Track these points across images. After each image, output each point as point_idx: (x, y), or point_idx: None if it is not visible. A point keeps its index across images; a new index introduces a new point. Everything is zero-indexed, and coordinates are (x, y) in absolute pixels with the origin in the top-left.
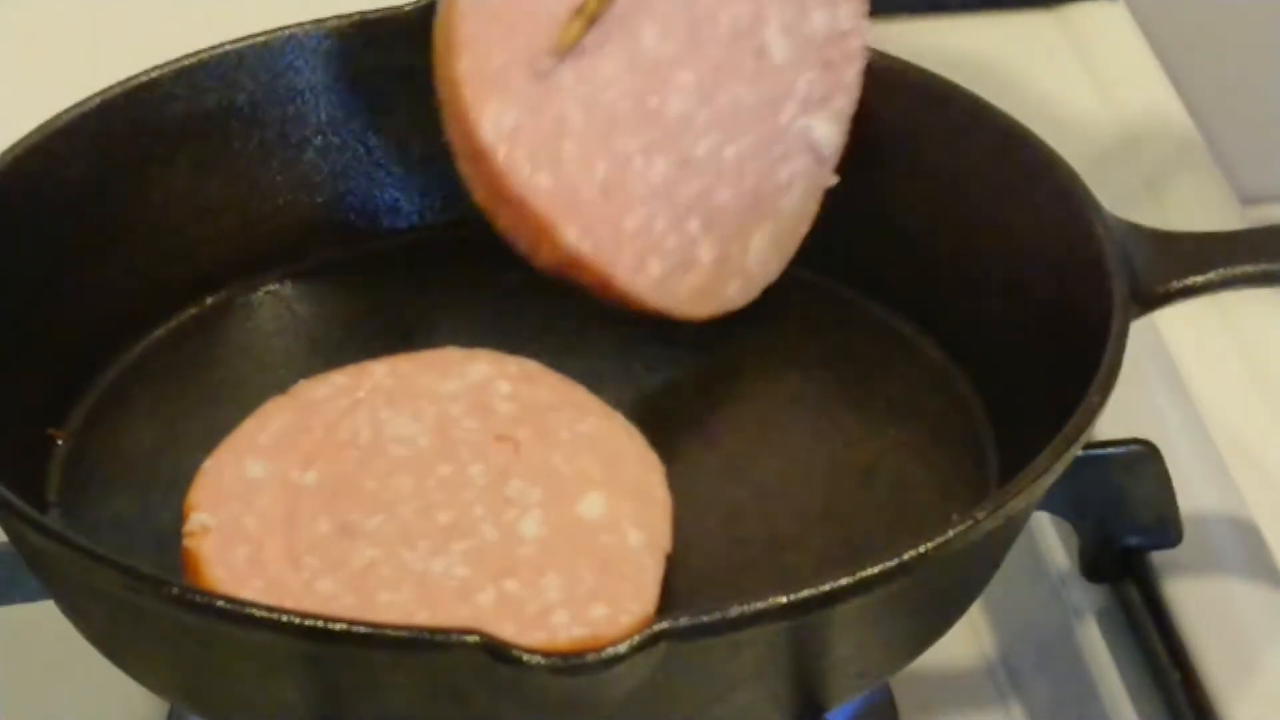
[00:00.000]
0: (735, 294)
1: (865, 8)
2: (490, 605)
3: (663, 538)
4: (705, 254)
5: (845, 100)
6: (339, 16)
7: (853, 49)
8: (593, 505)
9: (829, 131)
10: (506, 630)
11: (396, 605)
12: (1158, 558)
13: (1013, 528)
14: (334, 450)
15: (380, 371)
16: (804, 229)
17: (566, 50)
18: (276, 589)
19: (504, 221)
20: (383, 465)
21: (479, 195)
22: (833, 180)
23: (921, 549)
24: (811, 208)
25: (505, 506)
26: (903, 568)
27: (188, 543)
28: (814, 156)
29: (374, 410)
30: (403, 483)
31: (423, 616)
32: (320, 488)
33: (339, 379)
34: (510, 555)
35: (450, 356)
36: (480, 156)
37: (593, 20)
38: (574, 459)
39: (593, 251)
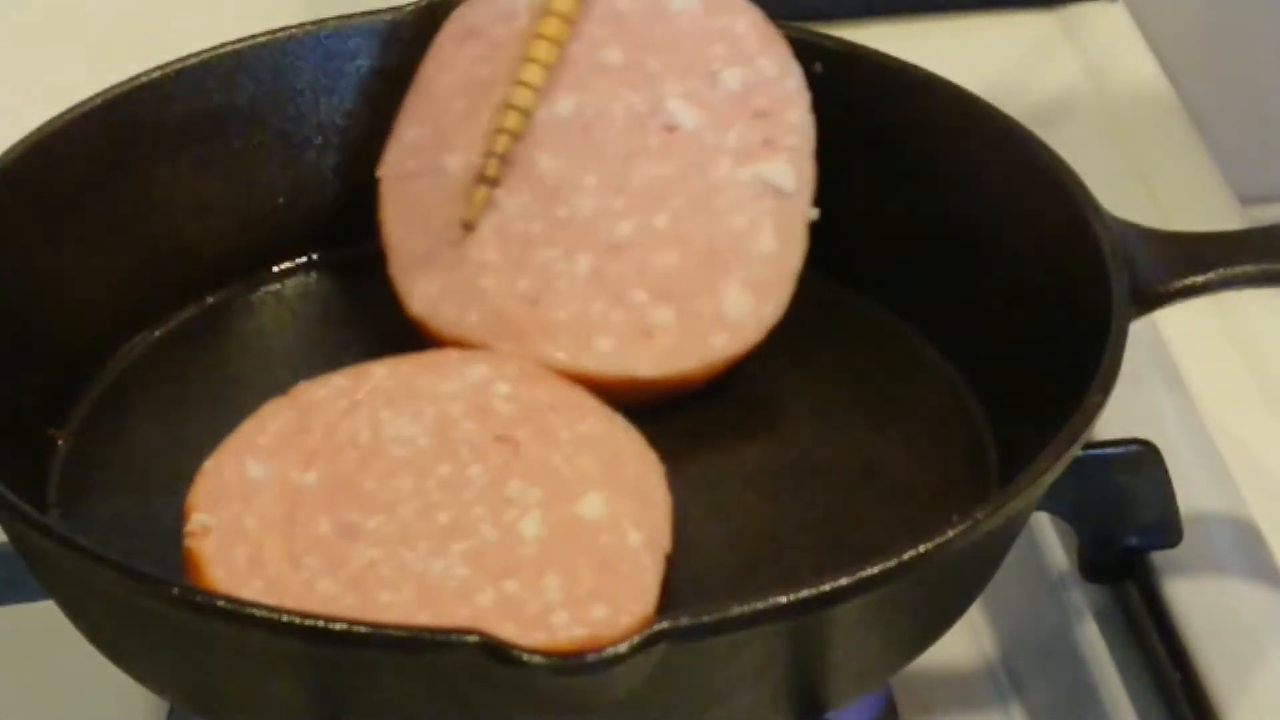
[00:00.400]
0: (723, 344)
1: (788, 53)
2: (490, 605)
3: (663, 538)
4: (663, 317)
5: (796, 138)
6: (339, 17)
7: (787, 91)
8: (592, 505)
9: (783, 171)
10: (507, 630)
11: (397, 605)
12: (1158, 558)
13: (1013, 528)
14: (334, 451)
15: (380, 373)
16: (791, 265)
17: (477, 218)
18: (276, 589)
19: None
20: (382, 466)
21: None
22: (812, 214)
23: (921, 549)
24: (794, 244)
25: (505, 507)
26: (903, 568)
27: (188, 543)
28: (775, 197)
29: (374, 411)
30: (402, 483)
31: (424, 617)
32: (320, 488)
33: (339, 380)
34: (510, 555)
35: (450, 357)
36: (420, 326)
37: (494, 184)
38: (574, 459)
39: (532, 352)
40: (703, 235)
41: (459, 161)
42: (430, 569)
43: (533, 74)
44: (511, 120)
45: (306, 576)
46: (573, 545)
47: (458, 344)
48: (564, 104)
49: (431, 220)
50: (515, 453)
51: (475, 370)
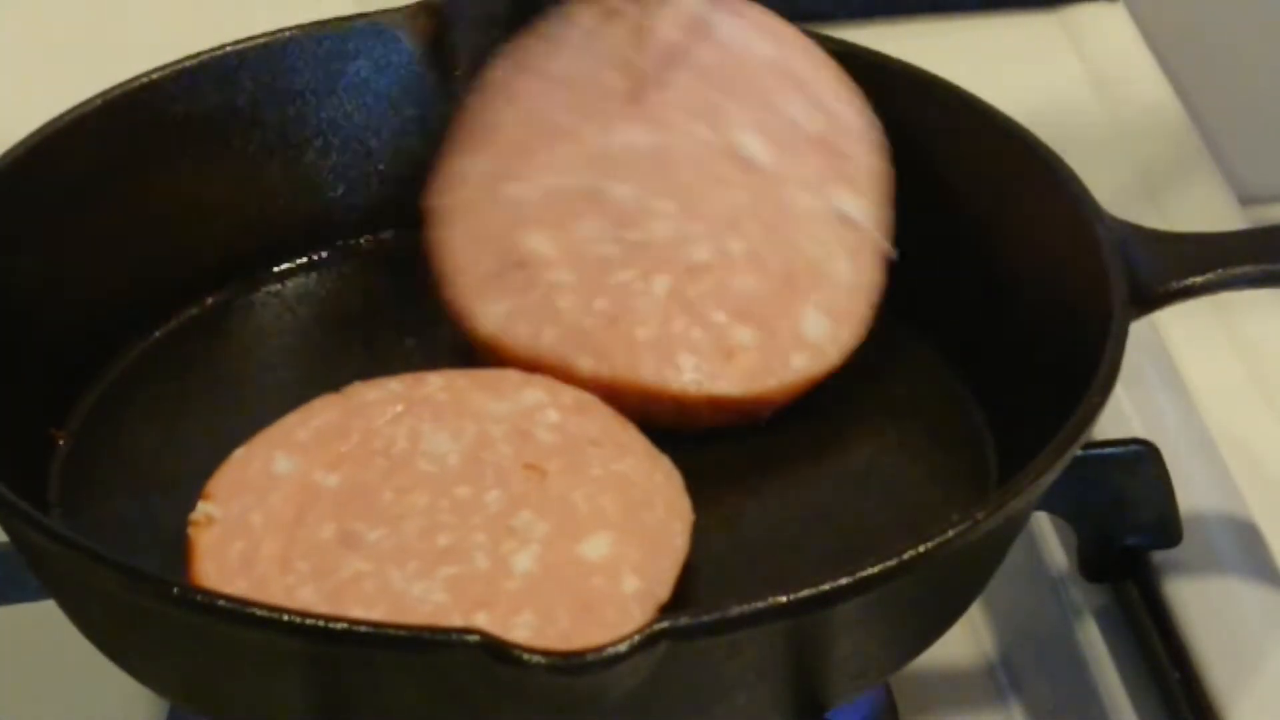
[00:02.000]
0: (804, 365)
1: (863, 102)
2: None
3: (661, 588)
4: (744, 337)
5: (869, 179)
6: (339, 17)
7: (862, 137)
8: (596, 546)
9: (857, 205)
10: None
11: None
12: (1158, 558)
13: (1013, 528)
14: (365, 456)
15: (435, 383)
16: (867, 294)
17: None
18: (257, 590)
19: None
20: (406, 478)
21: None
22: (889, 251)
23: (921, 549)
24: (869, 273)
25: (506, 536)
26: (903, 568)
27: (190, 530)
28: (849, 228)
29: (417, 422)
30: (418, 499)
31: None
32: (338, 492)
33: (393, 385)
34: (493, 587)
35: (509, 378)
36: (488, 346)
37: None
38: (596, 497)
39: (611, 372)
40: (779, 260)
41: (521, 189)
42: (410, 590)
43: None
44: None
45: (291, 581)
46: (560, 585)
47: (532, 364)
48: (637, 135)
49: (495, 246)
50: (540, 483)
51: (529, 394)
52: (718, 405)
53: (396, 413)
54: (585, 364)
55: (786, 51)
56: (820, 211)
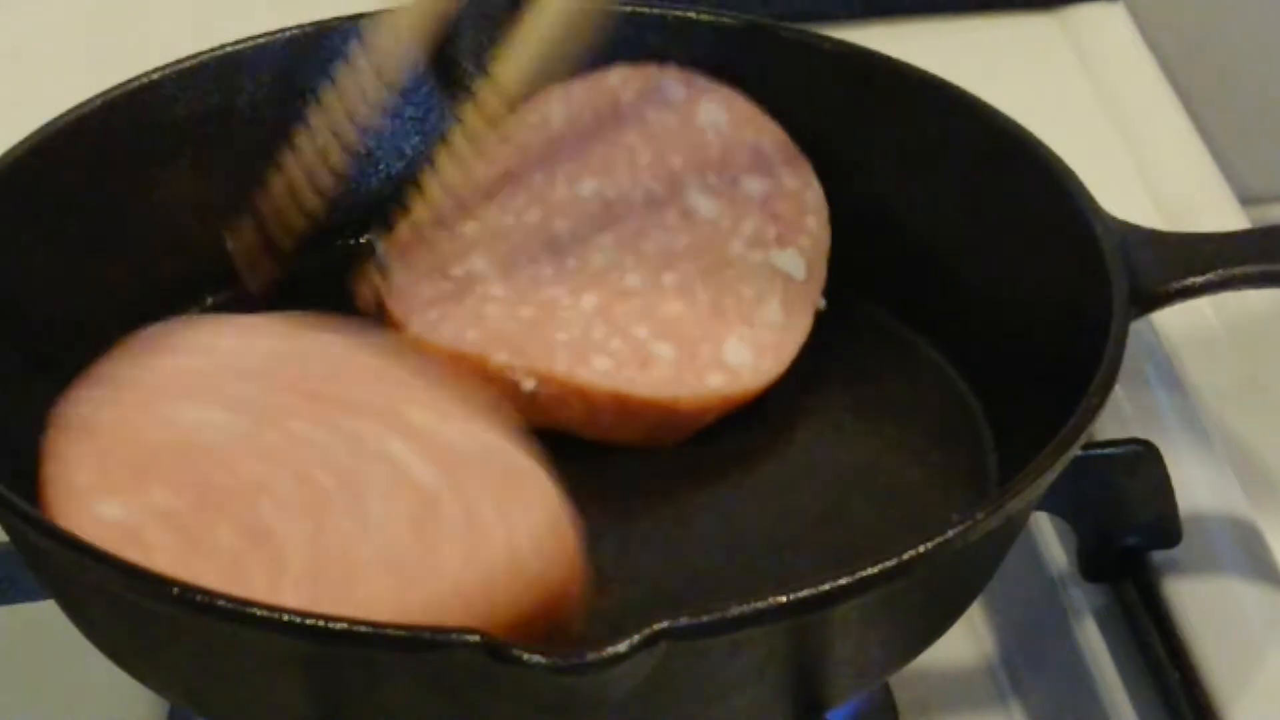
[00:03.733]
0: (719, 383)
1: (810, 171)
2: None
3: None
4: (662, 351)
5: (810, 241)
6: (339, 17)
7: (806, 202)
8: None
9: (794, 261)
10: None
11: None
12: (1157, 558)
13: (1012, 528)
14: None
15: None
16: (794, 339)
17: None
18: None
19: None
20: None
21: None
22: (819, 303)
23: (921, 549)
24: (800, 320)
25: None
26: (903, 568)
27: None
28: (785, 280)
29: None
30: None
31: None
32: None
33: (86, 393)
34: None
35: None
36: (416, 347)
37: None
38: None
39: (525, 363)
40: (709, 295)
41: (471, 227)
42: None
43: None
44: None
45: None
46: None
47: (452, 359)
48: (586, 185)
49: (438, 268)
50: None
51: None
52: (625, 407)
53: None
54: (500, 357)
55: (739, 121)
56: (757, 262)
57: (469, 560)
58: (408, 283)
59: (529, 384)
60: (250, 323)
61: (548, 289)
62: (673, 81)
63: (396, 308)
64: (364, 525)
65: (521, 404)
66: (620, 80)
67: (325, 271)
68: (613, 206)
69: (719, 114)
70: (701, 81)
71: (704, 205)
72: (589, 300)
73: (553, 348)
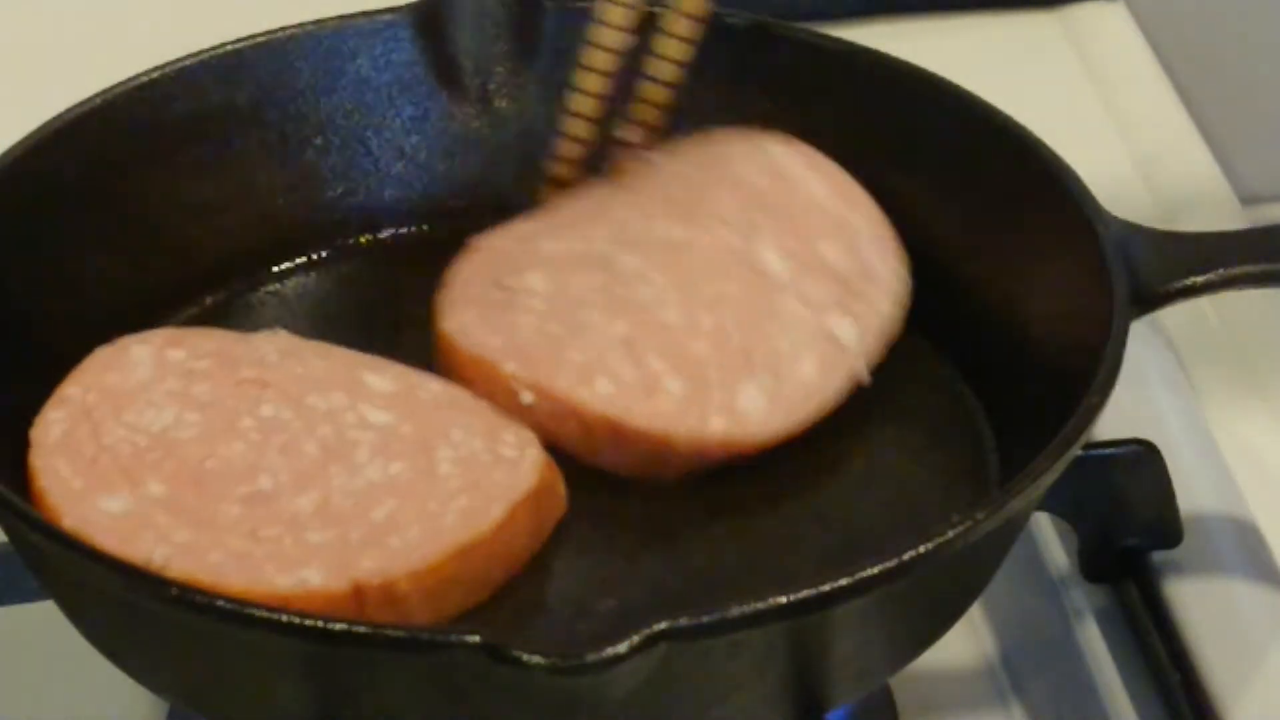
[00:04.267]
0: (719, 429)
1: (897, 251)
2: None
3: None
4: (672, 385)
5: (876, 321)
6: (339, 17)
7: (884, 283)
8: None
9: (849, 331)
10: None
11: None
12: (1158, 558)
13: (1013, 528)
14: (139, 462)
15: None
16: (817, 402)
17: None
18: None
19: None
20: (197, 448)
21: (455, 377)
22: (864, 378)
23: (921, 549)
24: (833, 382)
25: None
26: (903, 568)
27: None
28: (831, 343)
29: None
30: (233, 447)
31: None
32: (178, 490)
33: (55, 414)
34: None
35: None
36: (440, 342)
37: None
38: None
39: (529, 376)
40: (742, 341)
41: (550, 245)
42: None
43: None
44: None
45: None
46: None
47: (469, 364)
48: (662, 226)
49: (496, 274)
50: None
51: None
52: (620, 435)
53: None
54: (508, 367)
55: (838, 194)
56: (808, 322)
57: (479, 495)
58: (464, 284)
59: (527, 397)
60: (192, 333)
61: (585, 312)
62: (778, 146)
63: (443, 297)
64: (369, 484)
65: (525, 417)
66: (724, 139)
67: (325, 271)
68: (681, 249)
69: (820, 185)
70: (807, 150)
71: (773, 262)
72: (619, 327)
73: (560, 365)
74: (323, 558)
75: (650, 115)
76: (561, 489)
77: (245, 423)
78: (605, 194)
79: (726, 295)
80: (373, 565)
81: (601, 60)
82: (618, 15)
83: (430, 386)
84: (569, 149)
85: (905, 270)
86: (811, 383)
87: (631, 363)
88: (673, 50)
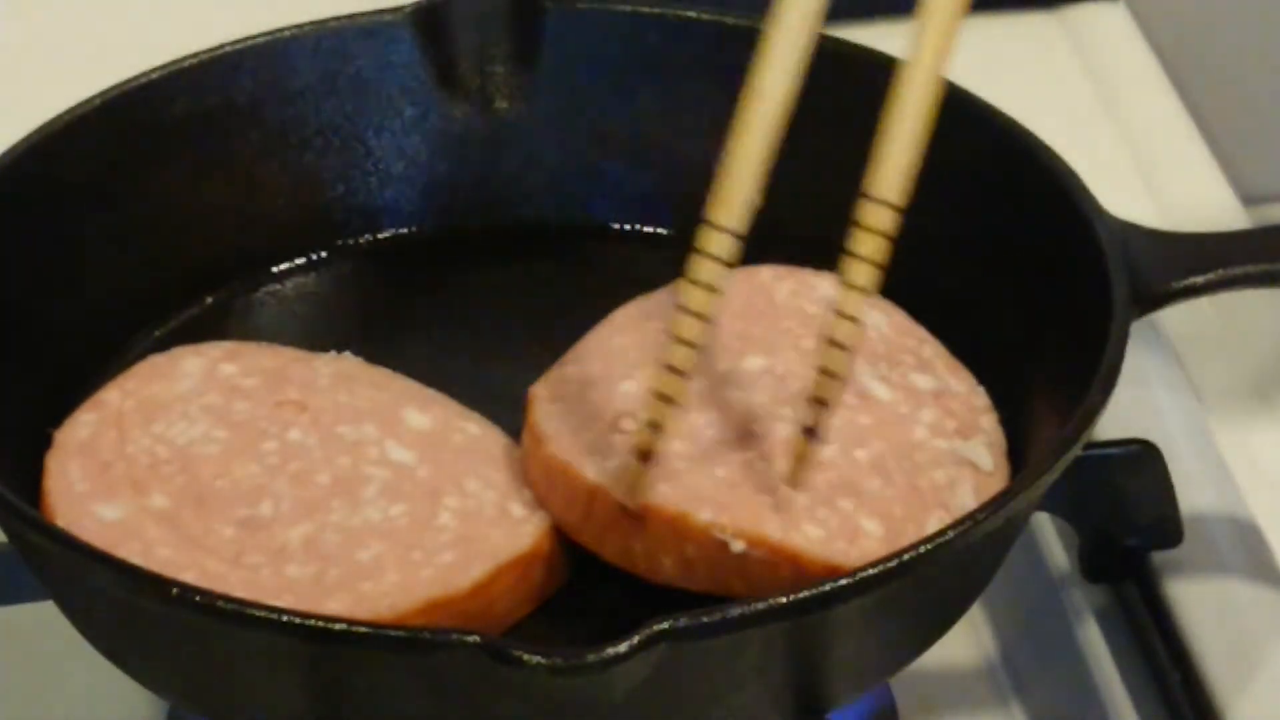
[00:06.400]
0: None
1: (969, 374)
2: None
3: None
4: (870, 527)
5: (988, 438)
6: (339, 17)
7: (976, 405)
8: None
9: (980, 452)
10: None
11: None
12: (1158, 558)
13: (1013, 528)
14: (153, 474)
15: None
16: None
17: (641, 493)
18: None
19: (619, 546)
20: (214, 465)
21: (588, 536)
22: (1001, 487)
23: (921, 549)
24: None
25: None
26: (903, 568)
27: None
28: (973, 469)
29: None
30: (248, 469)
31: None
32: (180, 505)
33: (86, 416)
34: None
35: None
36: (590, 496)
37: (648, 457)
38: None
39: (734, 524)
40: (904, 476)
41: (630, 386)
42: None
43: (679, 355)
44: (668, 384)
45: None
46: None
47: (641, 513)
48: (752, 361)
49: (598, 421)
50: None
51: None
52: (836, 575)
53: (118, 433)
54: (704, 515)
55: (899, 328)
56: (943, 448)
57: (466, 552)
58: (568, 429)
59: (738, 545)
60: (251, 348)
61: (735, 453)
62: (828, 284)
63: (560, 452)
64: (364, 523)
65: (725, 567)
66: (773, 276)
67: (325, 271)
68: (785, 381)
69: (879, 318)
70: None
71: (880, 390)
72: (784, 466)
73: (760, 510)
74: (295, 592)
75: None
76: (563, 561)
77: (268, 445)
78: (643, 332)
79: (861, 426)
80: (338, 607)
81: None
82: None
83: (469, 429)
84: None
85: (974, 381)
86: (973, 510)
87: (822, 504)
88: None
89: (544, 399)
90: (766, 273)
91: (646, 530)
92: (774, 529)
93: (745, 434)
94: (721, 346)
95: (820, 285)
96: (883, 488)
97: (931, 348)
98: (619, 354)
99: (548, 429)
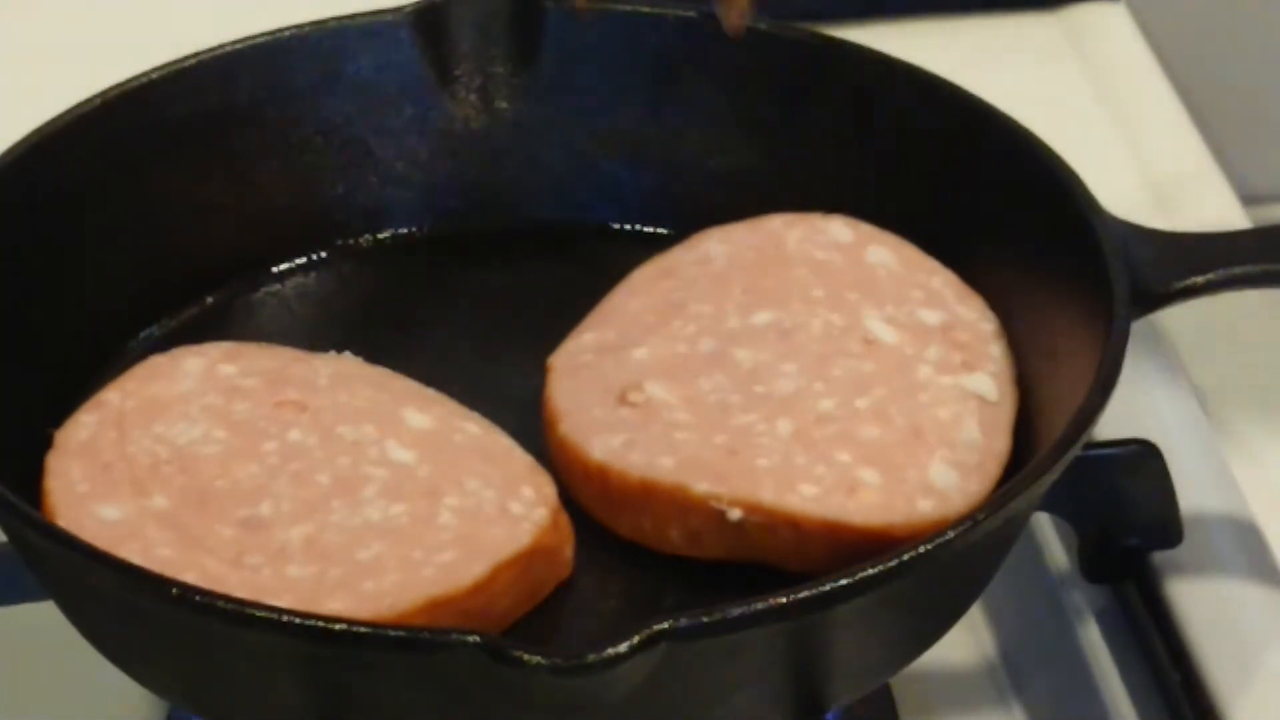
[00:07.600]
0: (930, 509)
1: (981, 302)
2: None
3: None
4: (868, 477)
5: (996, 365)
6: (339, 17)
7: (985, 331)
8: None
9: (985, 383)
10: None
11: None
12: (1158, 558)
13: (1013, 528)
14: (153, 474)
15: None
16: (995, 460)
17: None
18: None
19: (630, 523)
20: (214, 465)
21: (602, 512)
22: (1011, 416)
23: (921, 549)
24: (1000, 438)
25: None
26: (903, 568)
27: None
28: (979, 401)
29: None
30: (248, 469)
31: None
32: (180, 506)
33: (87, 417)
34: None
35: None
36: (597, 474)
37: None
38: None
39: (730, 492)
40: (905, 418)
41: (642, 353)
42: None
43: None
44: None
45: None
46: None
47: (643, 491)
48: (760, 316)
49: (611, 393)
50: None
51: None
52: (837, 536)
53: (117, 434)
54: (702, 486)
55: (908, 263)
56: (948, 385)
57: (467, 550)
58: (580, 407)
59: (735, 514)
60: (251, 349)
61: (739, 416)
62: (839, 225)
63: (570, 431)
64: (365, 523)
65: (727, 535)
66: (783, 224)
67: (325, 271)
68: (791, 335)
69: (888, 256)
70: (867, 227)
71: (885, 333)
72: (784, 426)
73: (756, 475)
74: (295, 592)
75: None
76: (567, 554)
77: (268, 446)
78: (658, 293)
79: (863, 374)
80: (339, 607)
81: None
82: None
83: (469, 429)
84: None
85: (985, 306)
86: (983, 446)
87: (820, 460)
88: None
89: (559, 372)
90: (776, 221)
91: (652, 505)
92: (768, 493)
93: (747, 395)
94: (733, 303)
95: (830, 228)
96: (883, 434)
97: (941, 278)
98: (634, 318)
99: (561, 406)
